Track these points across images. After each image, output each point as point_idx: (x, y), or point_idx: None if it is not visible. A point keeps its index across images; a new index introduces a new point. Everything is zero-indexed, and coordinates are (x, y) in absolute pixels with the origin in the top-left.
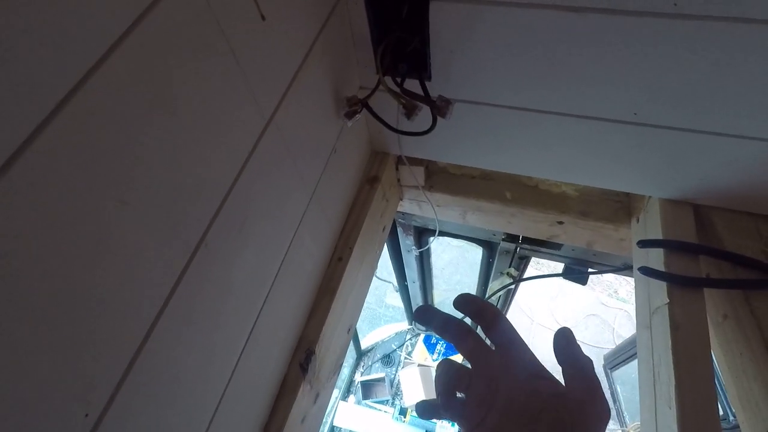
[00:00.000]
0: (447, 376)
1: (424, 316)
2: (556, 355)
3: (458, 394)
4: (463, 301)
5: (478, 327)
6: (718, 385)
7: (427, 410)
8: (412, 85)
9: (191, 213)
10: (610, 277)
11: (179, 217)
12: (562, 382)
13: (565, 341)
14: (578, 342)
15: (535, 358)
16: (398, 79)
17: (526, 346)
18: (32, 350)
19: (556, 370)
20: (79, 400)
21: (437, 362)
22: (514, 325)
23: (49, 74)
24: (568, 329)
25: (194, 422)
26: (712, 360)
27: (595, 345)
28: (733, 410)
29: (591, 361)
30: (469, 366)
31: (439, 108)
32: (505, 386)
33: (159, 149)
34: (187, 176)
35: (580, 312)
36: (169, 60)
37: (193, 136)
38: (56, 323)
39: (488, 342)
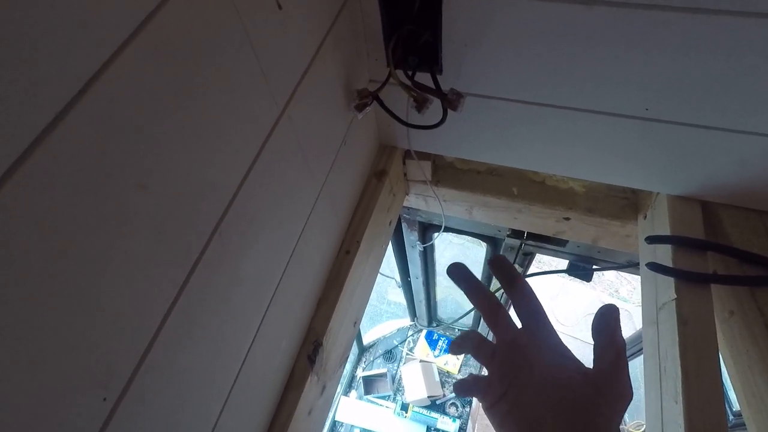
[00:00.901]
0: (471, 344)
1: (457, 272)
2: (593, 328)
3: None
4: (498, 263)
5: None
6: None
7: (461, 387)
8: (424, 78)
9: (207, 201)
10: (611, 277)
11: (196, 204)
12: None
13: (608, 316)
14: (577, 341)
15: (559, 338)
16: (409, 72)
17: (551, 325)
18: (53, 336)
19: None
20: (97, 385)
21: (457, 336)
22: (542, 304)
23: (71, 60)
24: (616, 307)
25: (205, 410)
26: (719, 356)
27: None
28: (734, 409)
29: (625, 344)
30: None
31: (451, 101)
32: (529, 362)
33: (178, 135)
34: (205, 164)
35: (581, 311)
36: (189, 46)
37: (211, 123)
38: (79, 307)
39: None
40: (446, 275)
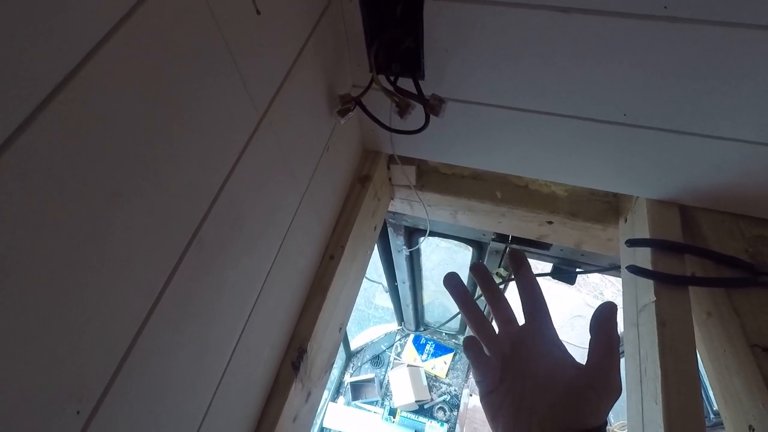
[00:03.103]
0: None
1: (451, 281)
2: (592, 324)
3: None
4: (515, 255)
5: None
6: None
7: (469, 345)
8: (406, 83)
9: (184, 208)
10: (595, 280)
11: (172, 211)
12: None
13: (607, 314)
14: (567, 342)
15: (556, 332)
16: (392, 78)
17: (551, 320)
18: (24, 347)
19: None
20: (70, 397)
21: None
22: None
23: (41, 64)
24: (614, 305)
25: (186, 420)
26: (697, 356)
27: (581, 345)
28: (714, 408)
29: (619, 341)
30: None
31: (432, 106)
32: (526, 352)
33: (153, 142)
34: (181, 170)
35: (566, 313)
36: (163, 51)
37: (186, 129)
38: (48, 319)
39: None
40: (433, 279)
